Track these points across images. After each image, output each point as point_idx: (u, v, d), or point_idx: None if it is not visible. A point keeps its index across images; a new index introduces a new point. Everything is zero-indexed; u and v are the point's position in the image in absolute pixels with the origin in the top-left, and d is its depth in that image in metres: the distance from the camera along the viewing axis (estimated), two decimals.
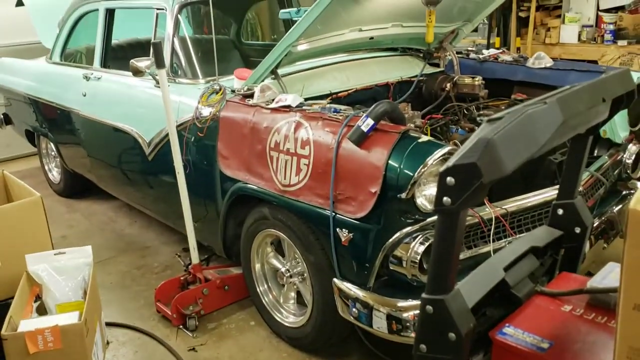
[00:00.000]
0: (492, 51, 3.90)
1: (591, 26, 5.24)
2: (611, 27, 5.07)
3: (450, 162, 1.05)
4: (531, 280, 1.38)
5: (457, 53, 3.88)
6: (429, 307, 1.19)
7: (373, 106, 2.33)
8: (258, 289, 3.04)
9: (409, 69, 3.71)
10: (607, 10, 5.19)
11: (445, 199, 1.08)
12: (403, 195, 2.18)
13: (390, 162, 2.20)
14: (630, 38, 4.98)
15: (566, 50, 5.20)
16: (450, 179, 1.05)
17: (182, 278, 3.25)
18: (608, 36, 5.10)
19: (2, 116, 5.66)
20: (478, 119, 2.84)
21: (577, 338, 1.20)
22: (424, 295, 1.20)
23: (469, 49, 4.01)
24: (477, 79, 3.42)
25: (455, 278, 1.18)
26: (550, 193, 2.70)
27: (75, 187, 4.99)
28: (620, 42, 5.01)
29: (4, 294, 2.60)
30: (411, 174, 2.15)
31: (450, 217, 1.11)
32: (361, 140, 2.29)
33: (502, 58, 3.78)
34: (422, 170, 2.15)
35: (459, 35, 3.83)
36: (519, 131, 1.08)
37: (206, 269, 3.34)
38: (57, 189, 5.20)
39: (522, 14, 5.51)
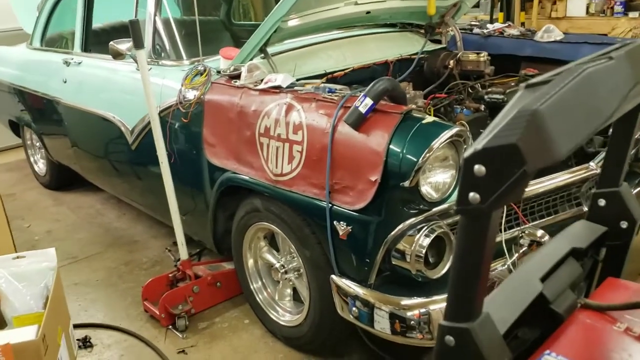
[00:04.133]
0: (497, 25, 3.65)
1: None
2: None
3: (479, 144, 0.76)
4: (572, 289, 1.11)
5: (460, 28, 3.64)
6: (450, 339, 0.92)
7: (371, 84, 2.09)
8: (252, 286, 2.82)
9: (409, 45, 3.46)
10: None
11: (471, 195, 0.78)
12: (406, 184, 1.95)
13: (391, 146, 1.97)
14: None
15: (574, 24, 4.94)
16: (479, 168, 0.77)
17: (170, 275, 3.04)
18: (618, 8, 4.84)
19: None
20: (486, 97, 2.60)
21: None
22: (442, 322, 0.92)
23: (473, 23, 3.77)
24: (482, 54, 3.19)
25: (483, 299, 0.92)
26: (566, 176, 2.49)
27: (62, 180, 4.77)
28: (632, 14, 4.75)
29: None
30: (415, 159, 1.92)
31: (479, 219, 0.82)
32: (359, 122, 2.05)
33: (508, 32, 3.54)
34: (427, 155, 1.91)
35: (461, 9, 3.58)
36: (575, 98, 0.79)
37: (196, 265, 3.13)
38: (43, 182, 4.97)
39: None
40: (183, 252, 3.00)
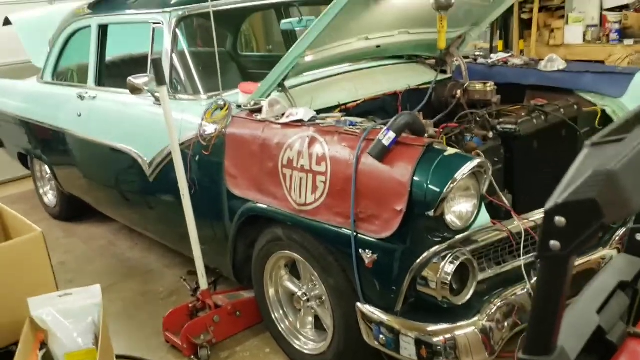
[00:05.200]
0: (501, 55, 3.77)
1: (596, 26, 5.14)
2: (616, 26, 4.97)
3: (560, 199, 0.86)
4: (622, 320, 1.19)
5: (464, 58, 3.76)
6: None
7: (394, 118, 2.19)
8: (273, 315, 2.88)
9: (417, 76, 3.57)
10: (612, 9, 5.09)
11: (552, 242, 0.88)
12: (431, 213, 2.03)
13: (415, 177, 2.06)
14: (637, 37, 4.88)
15: (571, 51, 5.09)
16: (560, 219, 0.86)
17: (190, 305, 3.09)
18: (614, 35, 5.00)
19: None
20: (499, 127, 2.70)
21: None
22: (522, 356, 1.00)
23: (477, 53, 3.89)
24: (488, 84, 3.29)
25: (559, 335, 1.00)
26: None
27: (72, 211, 4.82)
28: (627, 42, 4.91)
29: (5, 340, 2.41)
30: (440, 190, 2.01)
31: (559, 264, 0.91)
32: (383, 154, 2.14)
33: (512, 62, 3.67)
34: (451, 185, 2.01)
35: (465, 40, 3.71)
36: None
37: (215, 294, 3.18)
38: (52, 213, 5.02)
39: (524, 16, 5.39)
40: (203, 282, 3.05)
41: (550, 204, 0.85)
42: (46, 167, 4.83)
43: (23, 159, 5.24)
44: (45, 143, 4.59)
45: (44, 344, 2.38)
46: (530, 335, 0.98)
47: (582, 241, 0.85)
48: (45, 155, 4.65)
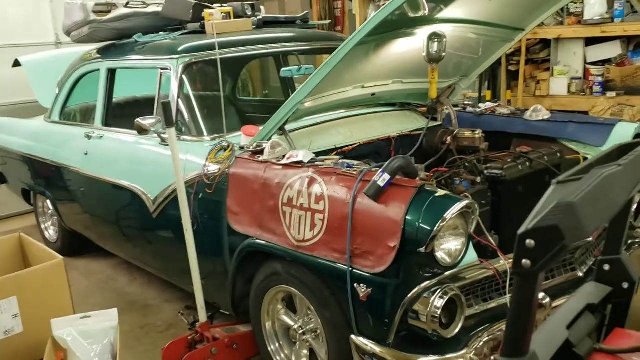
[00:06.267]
0: (489, 104, 3.99)
1: (580, 78, 5.40)
2: (599, 79, 5.24)
3: (530, 225, 1.07)
4: (589, 337, 1.39)
5: (454, 106, 3.97)
6: None
7: (388, 162, 2.37)
8: (269, 348, 2.99)
9: (409, 123, 3.78)
10: (594, 63, 5.36)
11: (524, 261, 1.08)
12: (422, 250, 2.19)
13: (408, 216, 2.22)
14: (619, 89, 5.14)
15: (557, 102, 5.33)
16: (530, 242, 1.07)
17: (189, 337, 3.19)
18: (597, 88, 5.25)
19: None
20: (486, 172, 2.88)
21: None
22: (498, 358, 1.20)
23: (466, 102, 4.11)
24: (477, 132, 3.48)
25: (531, 340, 1.19)
26: None
27: (73, 246, 4.93)
28: (609, 94, 5.16)
29: (29, 357, 2.52)
30: (430, 228, 2.17)
31: (529, 279, 1.12)
32: (378, 195, 2.31)
33: (499, 111, 3.87)
34: (441, 224, 2.17)
35: (455, 90, 3.93)
36: (598, 193, 1.10)
37: (213, 328, 3.29)
38: (54, 248, 5.03)
39: (511, 68, 5.67)
40: (202, 315, 3.16)
41: (522, 229, 1.05)
42: (48, 202, 4.96)
43: (26, 194, 5.38)
44: (49, 180, 4.74)
45: None
46: (507, 340, 1.15)
47: (548, 260, 1.06)
48: (49, 191, 4.79)
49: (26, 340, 2.50)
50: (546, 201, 1.09)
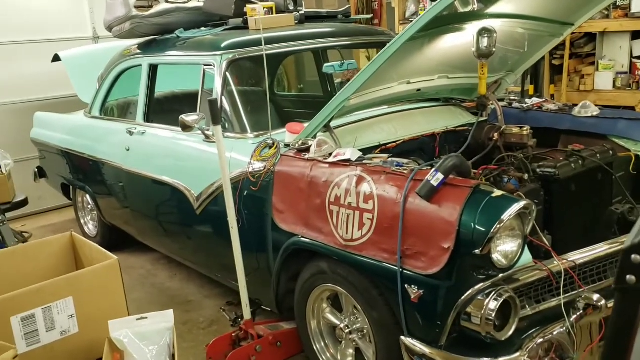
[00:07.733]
0: (535, 100, 3.90)
1: (625, 73, 5.25)
2: None
3: (637, 239, 1.01)
4: None
5: (499, 101, 3.89)
6: None
7: (442, 160, 2.31)
8: (315, 347, 2.97)
9: (454, 118, 3.71)
10: None
11: (629, 277, 1.03)
12: (478, 252, 2.14)
13: (463, 217, 2.17)
14: None
15: (601, 97, 5.19)
16: (636, 257, 1.01)
17: (233, 334, 3.19)
18: None
19: (36, 170, 5.69)
20: (539, 170, 2.81)
21: None
22: None
23: (511, 98, 4.02)
24: (525, 128, 3.39)
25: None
26: (612, 245, 2.66)
27: (113, 240, 4.96)
28: None
29: (85, 357, 2.54)
30: (487, 230, 2.11)
31: (633, 296, 1.06)
32: (431, 194, 2.26)
33: (546, 107, 3.78)
34: (498, 226, 2.11)
35: (502, 85, 3.85)
36: None
37: (257, 324, 3.28)
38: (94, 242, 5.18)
39: (555, 62, 5.53)
40: (247, 312, 3.16)
41: (627, 243, 0.99)
42: (88, 197, 5.01)
43: (65, 189, 5.44)
44: (89, 175, 4.78)
45: None
46: (605, 358, 1.09)
47: None
48: (89, 186, 4.83)
49: (81, 341, 2.52)
50: None
